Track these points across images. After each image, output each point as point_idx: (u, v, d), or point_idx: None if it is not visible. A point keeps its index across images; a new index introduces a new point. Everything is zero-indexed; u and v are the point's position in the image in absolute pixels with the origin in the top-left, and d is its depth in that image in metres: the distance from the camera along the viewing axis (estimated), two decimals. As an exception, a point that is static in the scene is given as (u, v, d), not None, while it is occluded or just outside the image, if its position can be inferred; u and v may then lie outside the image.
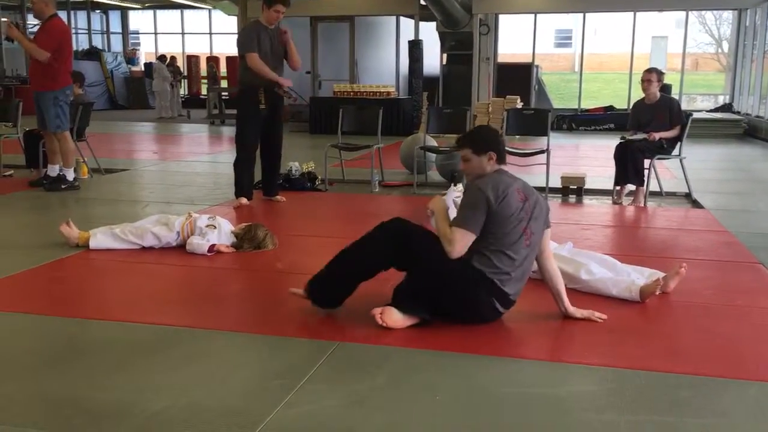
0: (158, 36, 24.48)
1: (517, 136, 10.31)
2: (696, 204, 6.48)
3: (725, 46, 27.60)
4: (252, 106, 5.92)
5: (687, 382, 2.63)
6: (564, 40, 32.48)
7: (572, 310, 3.28)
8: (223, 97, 16.75)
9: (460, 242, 3.10)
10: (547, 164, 6.75)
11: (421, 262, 3.15)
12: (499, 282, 3.12)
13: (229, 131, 13.76)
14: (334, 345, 2.93)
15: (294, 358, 2.83)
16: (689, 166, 6.85)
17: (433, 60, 15.99)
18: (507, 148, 6.91)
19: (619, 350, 2.94)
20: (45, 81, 6.48)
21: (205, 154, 10.69)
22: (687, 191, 6.80)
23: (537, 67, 16.73)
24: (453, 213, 5.57)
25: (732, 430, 2.28)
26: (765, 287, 3.86)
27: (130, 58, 23.72)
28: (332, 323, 3.20)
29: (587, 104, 16.82)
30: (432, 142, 7.67)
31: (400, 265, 3.23)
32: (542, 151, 6.87)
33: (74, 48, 21.55)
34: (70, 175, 6.78)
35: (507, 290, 3.15)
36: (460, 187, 6.22)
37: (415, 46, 14.47)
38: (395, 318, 3.09)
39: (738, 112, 15.51)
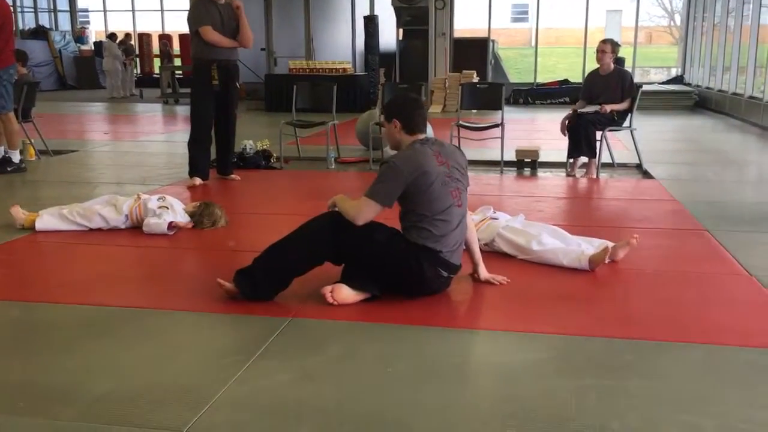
0: (108, 14, 23.81)
1: (474, 111, 10.36)
2: (646, 174, 6.60)
3: (678, 19, 28.00)
4: (205, 83, 5.83)
5: (632, 346, 2.69)
6: (520, 14, 32.56)
7: (485, 275, 3.39)
8: (177, 76, 16.43)
9: (366, 210, 3.07)
10: (502, 138, 6.79)
11: (362, 249, 3.11)
12: (442, 250, 3.12)
13: (182, 110, 13.52)
14: (286, 321, 2.92)
15: (245, 336, 2.82)
16: (641, 138, 6.97)
17: (389, 36, 15.90)
18: (461, 123, 6.99)
19: (567, 318, 2.99)
20: (-14, 61, 6.27)
21: (159, 134, 10.49)
22: (638, 162, 6.92)
23: (493, 41, 16.79)
24: None
25: (673, 391, 2.34)
26: (710, 254, 3.96)
27: (80, 36, 23.05)
28: (284, 299, 3.18)
29: (543, 78, 16.95)
30: (387, 117, 7.63)
31: (339, 256, 3.17)
32: (497, 125, 6.91)
33: (21, 27, 20.97)
34: (16, 157, 6.60)
35: (451, 260, 3.17)
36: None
37: (371, 22, 14.37)
38: (345, 294, 3.09)
39: (689, 84, 15.81)
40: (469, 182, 3.33)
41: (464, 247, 3.32)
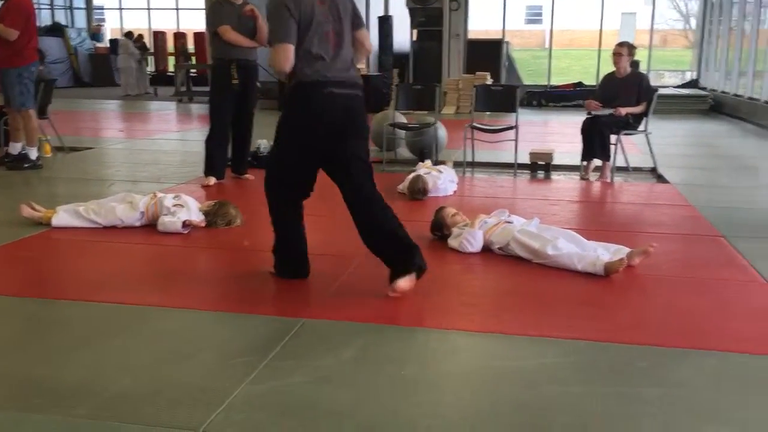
0: (123, 11, 23.96)
1: (487, 113, 10.32)
2: (661, 179, 6.56)
3: (693, 22, 27.82)
4: (224, 82, 5.85)
5: (648, 353, 2.68)
6: (534, 16, 32.47)
7: None
8: (192, 74, 16.47)
9: (279, 55, 3.18)
10: (516, 140, 6.76)
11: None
12: (327, 75, 3.22)
13: (197, 109, 13.57)
14: (300, 321, 2.92)
15: (260, 336, 2.82)
16: (655, 142, 6.93)
17: (403, 36, 15.89)
18: (475, 125, 6.97)
19: (583, 323, 2.98)
20: (9, 57, 6.33)
21: (173, 132, 10.54)
22: (653, 166, 6.88)
23: (507, 43, 16.73)
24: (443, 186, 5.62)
25: (689, 399, 2.33)
26: (727, 261, 3.93)
27: (95, 34, 23.19)
28: (299, 300, 3.19)
29: (557, 81, 16.88)
30: (401, 119, 7.65)
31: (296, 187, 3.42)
32: (511, 128, 6.89)
33: (37, 24, 21.11)
34: (33, 154, 6.64)
35: (338, 78, 3.26)
36: (428, 163, 6.25)
37: (385, 22, 14.35)
38: (402, 284, 3.14)
39: (704, 88, 15.70)
40: (362, 23, 3.46)
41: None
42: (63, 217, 4.39)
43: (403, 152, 7.69)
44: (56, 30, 21.01)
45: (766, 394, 2.37)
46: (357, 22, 3.43)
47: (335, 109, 3.23)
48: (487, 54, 15.68)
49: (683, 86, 16.70)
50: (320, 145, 3.25)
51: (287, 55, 3.19)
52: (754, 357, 2.66)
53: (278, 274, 3.46)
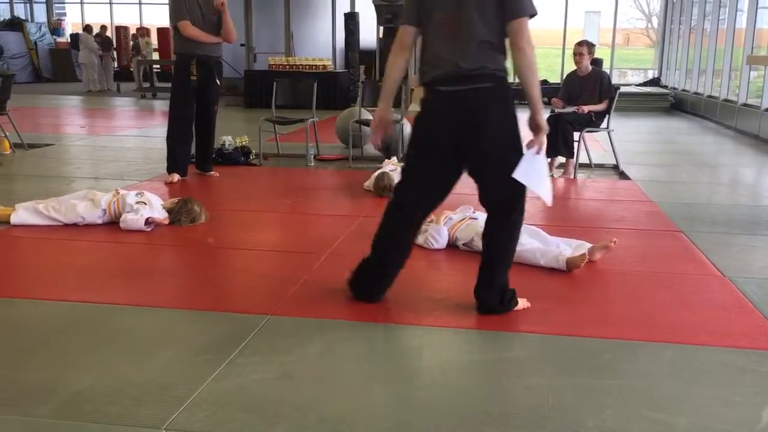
0: (85, 6, 23.53)
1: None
2: (623, 175, 6.68)
3: (655, 21, 28.30)
4: (184, 78, 5.80)
5: (608, 346, 2.73)
6: (500, 14, 32.65)
7: (539, 123, 3.09)
8: (155, 70, 16.26)
9: (399, 35, 3.00)
10: (481, 137, 6.81)
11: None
12: (435, 73, 2.94)
13: (160, 105, 13.41)
14: (265, 318, 2.92)
15: (224, 333, 2.81)
16: (618, 139, 7.04)
17: (370, 33, 15.88)
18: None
19: (545, 317, 3.02)
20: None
21: (136, 128, 10.39)
22: (615, 163, 7.00)
23: (473, 41, 16.81)
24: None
25: (647, 390, 2.38)
26: (685, 255, 4.02)
27: (56, 28, 22.75)
28: (264, 297, 3.18)
29: (522, 78, 17.01)
30: (367, 115, 7.65)
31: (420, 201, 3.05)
32: (476, 125, 6.93)
33: (-6, 17, 20.64)
34: (-9, 151, 6.51)
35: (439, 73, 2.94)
36: (394, 160, 6.26)
37: (351, 19, 14.35)
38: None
39: (665, 86, 15.98)
40: (519, 12, 2.87)
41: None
42: (22, 214, 4.31)
43: (369, 149, 7.70)
44: (15, 24, 20.58)
45: (720, 385, 2.44)
46: (509, 9, 2.83)
47: (449, 108, 2.91)
48: (453, 51, 15.74)
49: (645, 84, 16.99)
50: (440, 143, 2.94)
51: (405, 35, 2.97)
52: (709, 348, 2.73)
53: (353, 289, 3.15)
